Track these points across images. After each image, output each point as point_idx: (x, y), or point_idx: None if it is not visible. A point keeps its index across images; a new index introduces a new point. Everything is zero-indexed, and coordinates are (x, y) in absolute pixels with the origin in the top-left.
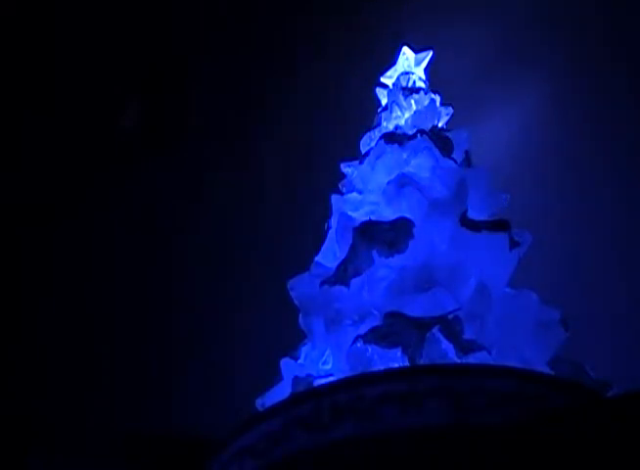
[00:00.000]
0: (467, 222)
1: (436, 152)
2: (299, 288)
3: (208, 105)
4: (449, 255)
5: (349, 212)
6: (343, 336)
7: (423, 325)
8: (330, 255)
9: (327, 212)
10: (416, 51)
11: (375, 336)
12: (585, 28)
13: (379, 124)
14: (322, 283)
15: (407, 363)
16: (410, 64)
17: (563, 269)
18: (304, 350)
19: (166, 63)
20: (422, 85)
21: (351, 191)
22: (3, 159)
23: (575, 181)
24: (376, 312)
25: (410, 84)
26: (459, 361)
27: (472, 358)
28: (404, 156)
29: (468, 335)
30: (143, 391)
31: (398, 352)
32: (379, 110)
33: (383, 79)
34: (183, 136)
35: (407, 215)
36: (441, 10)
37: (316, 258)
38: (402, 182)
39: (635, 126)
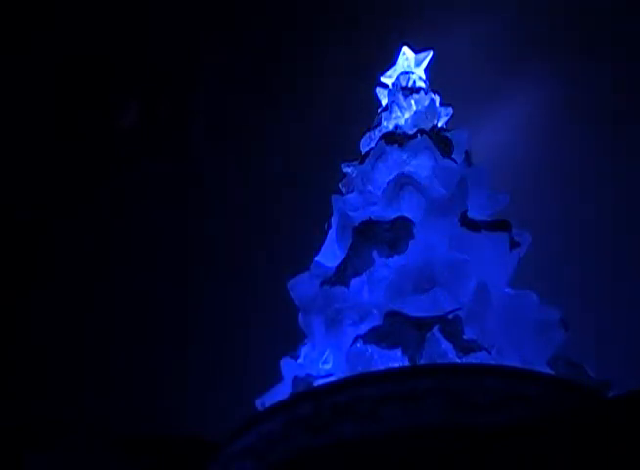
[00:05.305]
0: (467, 222)
1: (436, 152)
2: (299, 288)
3: (208, 105)
4: (449, 255)
5: (349, 212)
6: (343, 336)
7: (423, 325)
8: (330, 255)
9: (327, 212)
10: (416, 51)
11: (375, 336)
12: (586, 28)
13: (379, 124)
14: (322, 283)
15: (407, 363)
16: (410, 64)
17: (563, 269)
18: (304, 350)
19: (166, 63)
20: (422, 85)
21: (351, 191)
22: (3, 158)
23: (576, 181)
24: (376, 312)
25: (410, 84)
26: (459, 361)
27: (472, 358)
28: (404, 156)
29: (468, 335)
30: (143, 391)
31: (398, 352)
32: (379, 110)
33: (383, 79)
34: (183, 136)
35: (407, 215)
36: (442, 8)
37: (316, 259)
38: (402, 182)
39: (637, 126)
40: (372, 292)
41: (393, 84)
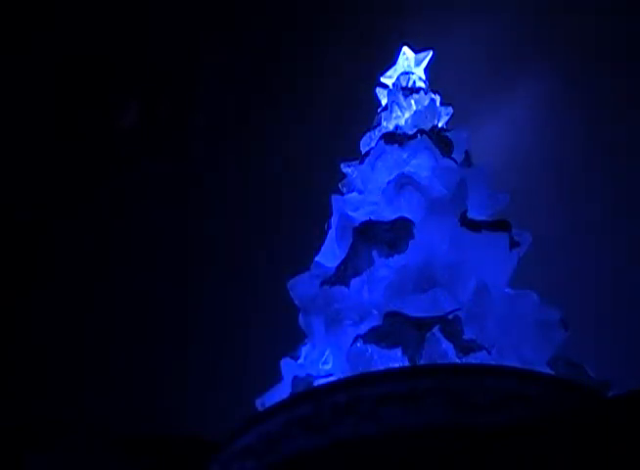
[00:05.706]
0: (467, 222)
1: (436, 152)
2: (299, 288)
3: (209, 105)
4: (449, 255)
5: (349, 212)
6: (343, 336)
7: (423, 325)
8: (330, 255)
9: (327, 212)
10: (416, 51)
11: (375, 336)
12: (586, 28)
13: (379, 124)
14: (322, 283)
15: (407, 363)
16: (410, 64)
17: (562, 269)
18: (304, 350)
19: (166, 63)
20: (422, 85)
21: (351, 191)
22: (3, 158)
23: (576, 181)
24: (376, 312)
25: (410, 84)
26: (459, 361)
27: (472, 358)
28: (404, 156)
29: (468, 335)
30: (143, 391)
31: (398, 352)
32: (379, 110)
33: (383, 79)
34: (183, 136)
35: (407, 215)
36: (442, 8)
37: (316, 258)
38: (402, 182)
39: (636, 127)
40: (372, 292)
41: (393, 84)
